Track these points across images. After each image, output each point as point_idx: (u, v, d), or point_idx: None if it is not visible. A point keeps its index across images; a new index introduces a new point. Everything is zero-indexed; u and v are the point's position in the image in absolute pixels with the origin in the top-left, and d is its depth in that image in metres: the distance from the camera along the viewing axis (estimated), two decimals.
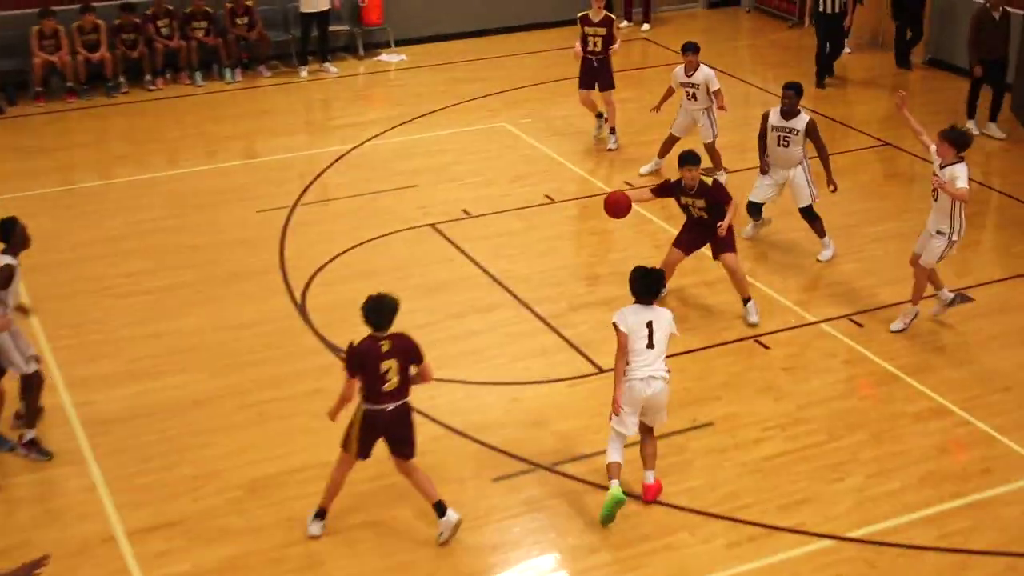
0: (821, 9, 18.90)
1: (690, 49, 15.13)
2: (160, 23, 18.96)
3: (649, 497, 9.89)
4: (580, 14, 16.40)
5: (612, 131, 16.67)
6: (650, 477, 9.90)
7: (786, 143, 13.51)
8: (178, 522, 9.61)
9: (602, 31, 16.17)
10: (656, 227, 14.40)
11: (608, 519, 9.52)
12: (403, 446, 9.25)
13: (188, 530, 9.53)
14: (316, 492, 9.56)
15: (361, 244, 14.01)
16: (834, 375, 11.71)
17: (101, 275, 13.27)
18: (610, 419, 9.63)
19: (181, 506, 9.79)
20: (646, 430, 9.85)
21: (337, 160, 16.45)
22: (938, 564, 9.36)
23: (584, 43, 16.25)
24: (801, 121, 13.49)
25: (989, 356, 12.03)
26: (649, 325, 9.56)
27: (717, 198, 12.17)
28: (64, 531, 9.40)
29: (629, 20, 22.46)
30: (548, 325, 12.42)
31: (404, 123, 17.83)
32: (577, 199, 15.43)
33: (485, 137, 17.30)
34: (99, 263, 13.54)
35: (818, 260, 13.69)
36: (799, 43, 21.60)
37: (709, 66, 15.42)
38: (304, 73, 19.79)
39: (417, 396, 9.35)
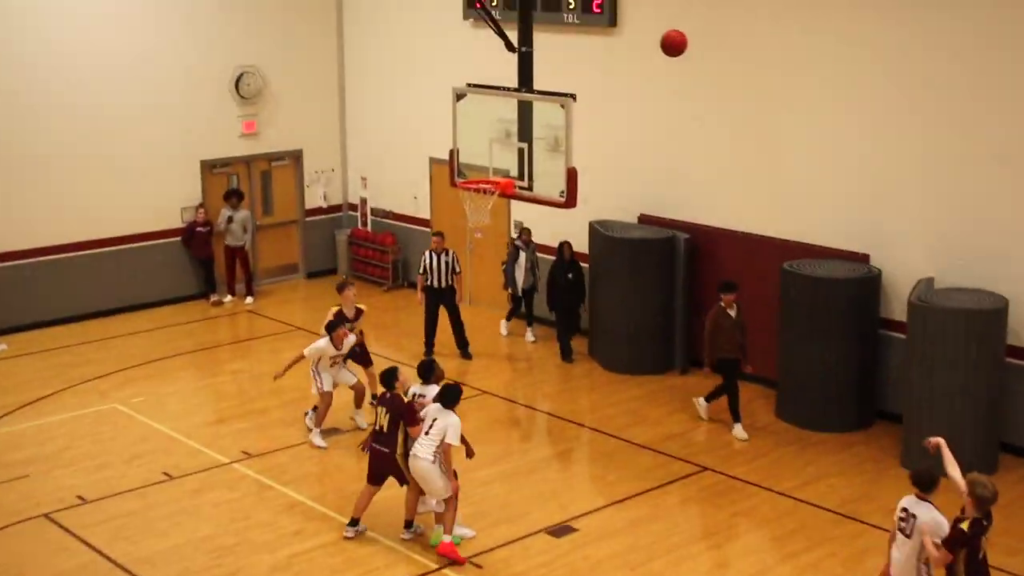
0: (429, 283, 14.54)
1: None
2: None
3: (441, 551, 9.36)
4: (336, 311, 12.16)
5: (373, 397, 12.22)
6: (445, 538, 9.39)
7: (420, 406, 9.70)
8: None
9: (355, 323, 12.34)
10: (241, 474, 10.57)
11: None
12: None
13: None
14: None
15: None
16: None
17: None
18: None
19: None
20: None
21: None
22: None
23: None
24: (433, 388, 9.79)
25: None
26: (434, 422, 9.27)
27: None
28: None
29: (232, 294, 17.34)
30: None
31: (9, 412, 12.75)
32: (195, 473, 11.18)
33: (97, 420, 12.56)
34: None
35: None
36: (395, 304, 17.18)
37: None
38: None
39: None
